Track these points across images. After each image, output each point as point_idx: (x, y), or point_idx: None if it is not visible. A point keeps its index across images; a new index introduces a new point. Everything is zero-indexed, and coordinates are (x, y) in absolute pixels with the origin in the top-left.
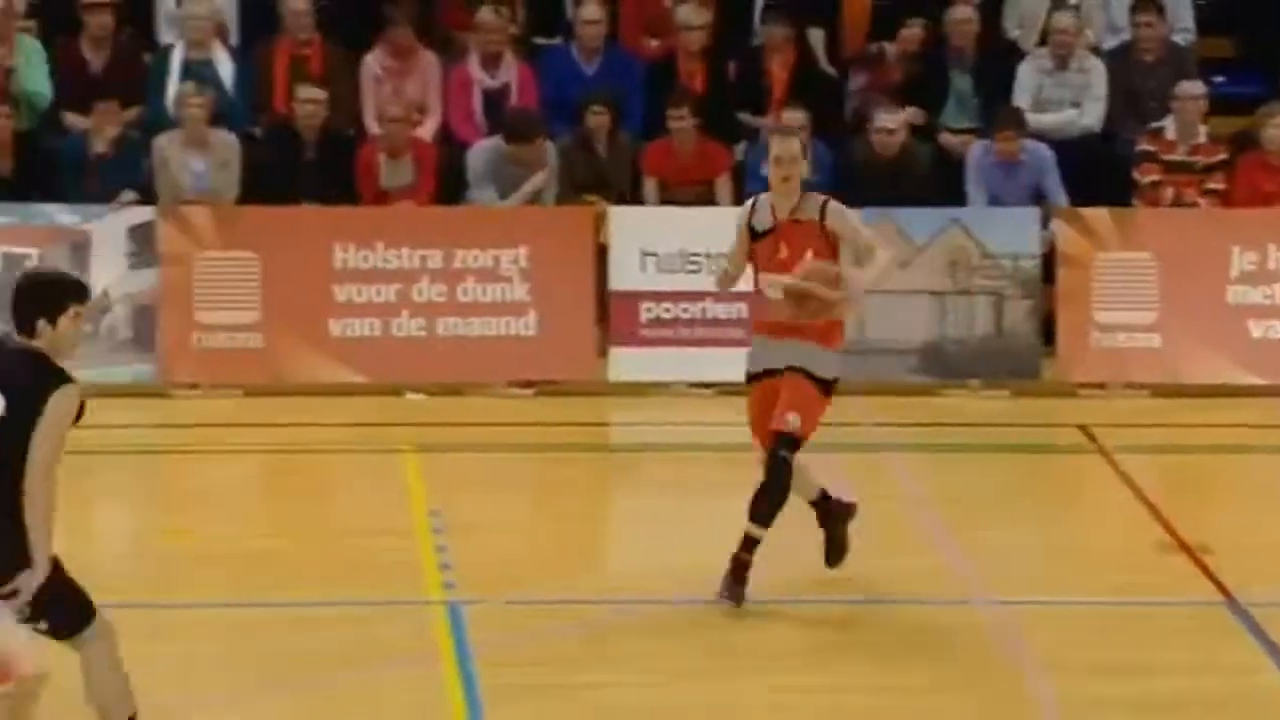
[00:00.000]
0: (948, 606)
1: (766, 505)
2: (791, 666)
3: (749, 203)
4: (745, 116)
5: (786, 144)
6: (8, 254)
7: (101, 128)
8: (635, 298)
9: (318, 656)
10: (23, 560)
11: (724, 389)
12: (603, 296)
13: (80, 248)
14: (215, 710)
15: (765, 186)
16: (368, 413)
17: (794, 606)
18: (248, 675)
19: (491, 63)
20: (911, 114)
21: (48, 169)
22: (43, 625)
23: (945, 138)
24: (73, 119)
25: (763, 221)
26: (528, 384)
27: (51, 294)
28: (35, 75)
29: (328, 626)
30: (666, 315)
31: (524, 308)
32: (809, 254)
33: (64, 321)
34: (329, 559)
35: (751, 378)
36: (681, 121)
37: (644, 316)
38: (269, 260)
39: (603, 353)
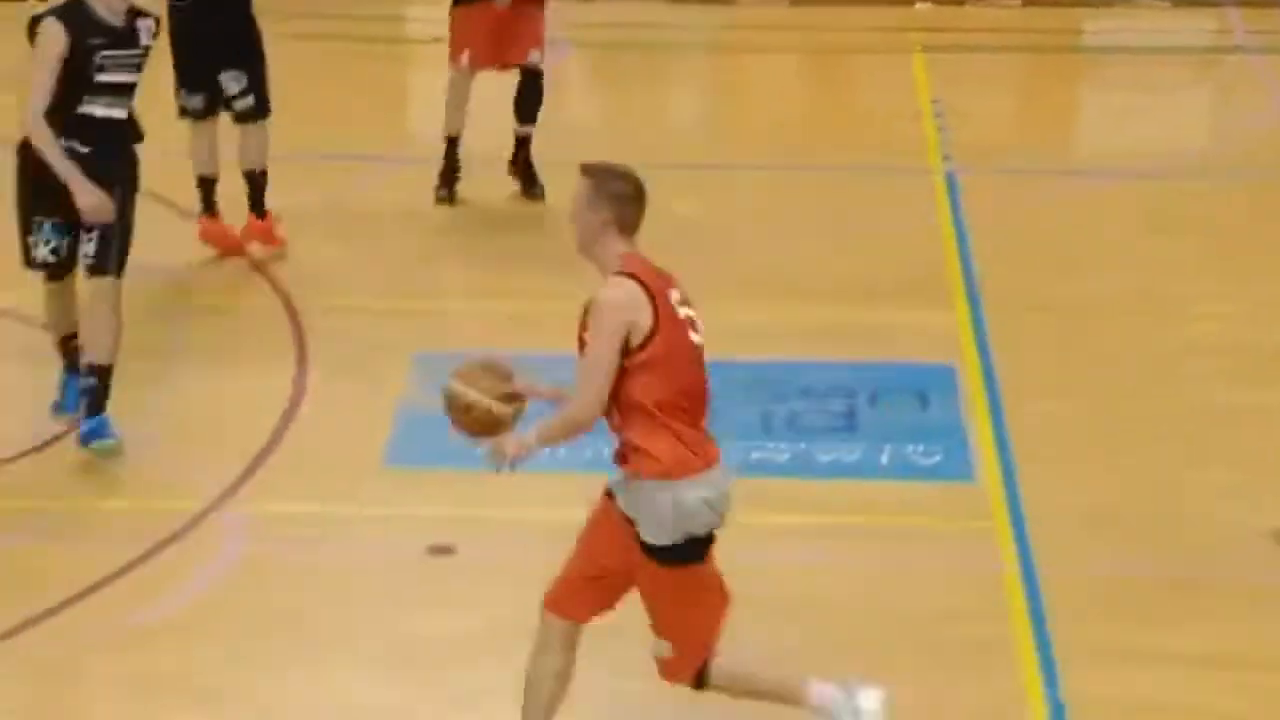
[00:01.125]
0: None
1: (530, 106)
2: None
3: None
4: None
5: None
6: None
7: None
8: None
9: (842, 213)
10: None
11: (1183, 1)
12: None
13: None
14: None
15: None
16: (885, 19)
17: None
18: (786, 225)
19: None
20: None
21: None
22: (90, 246)
23: None
24: None
25: None
26: None
27: None
28: None
29: (847, 186)
30: None
31: None
32: None
33: None
34: (854, 135)
35: None
36: None
37: None
38: None
39: None
